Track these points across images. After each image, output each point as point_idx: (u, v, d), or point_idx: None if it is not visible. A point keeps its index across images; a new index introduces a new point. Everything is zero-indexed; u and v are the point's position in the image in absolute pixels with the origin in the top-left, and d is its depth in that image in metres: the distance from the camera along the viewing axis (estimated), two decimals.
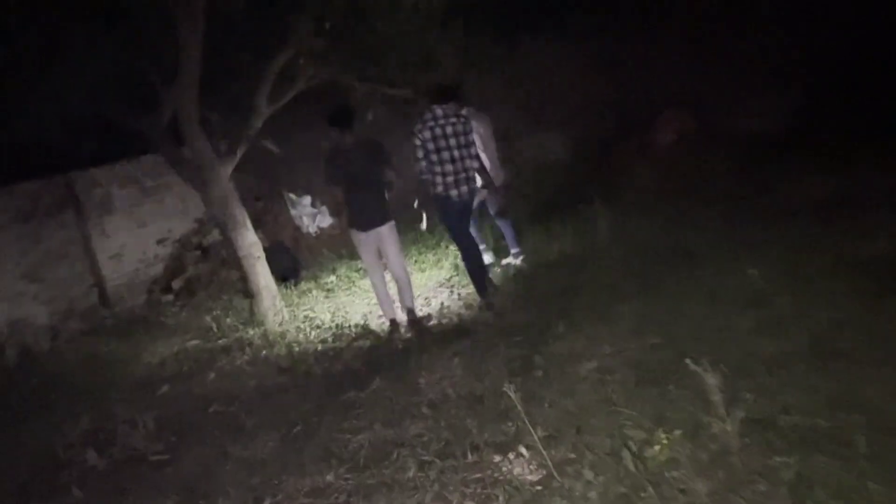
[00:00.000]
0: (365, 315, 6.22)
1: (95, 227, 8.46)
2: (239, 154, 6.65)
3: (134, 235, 8.86)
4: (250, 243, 6.40)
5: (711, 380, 2.81)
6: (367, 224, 5.36)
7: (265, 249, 8.59)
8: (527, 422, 3.20)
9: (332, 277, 7.82)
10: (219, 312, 7.70)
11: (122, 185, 8.81)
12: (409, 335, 5.44)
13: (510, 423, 3.39)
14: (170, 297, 8.66)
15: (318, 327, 6.09)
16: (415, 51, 7.04)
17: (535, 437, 3.10)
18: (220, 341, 6.38)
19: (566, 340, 4.35)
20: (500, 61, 8.55)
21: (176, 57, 5.90)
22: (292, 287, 7.78)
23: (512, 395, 3.29)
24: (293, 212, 9.57)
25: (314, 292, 7.43)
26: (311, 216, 9.85)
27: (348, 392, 4.44)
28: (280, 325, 6.23)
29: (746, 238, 5.32)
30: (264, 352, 5.71)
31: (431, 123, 5.32)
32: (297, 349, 5.62)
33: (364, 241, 5.43)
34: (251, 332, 6.20)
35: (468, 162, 5.43)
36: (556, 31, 9.62)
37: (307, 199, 9.80)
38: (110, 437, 4.53)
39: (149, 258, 9.03)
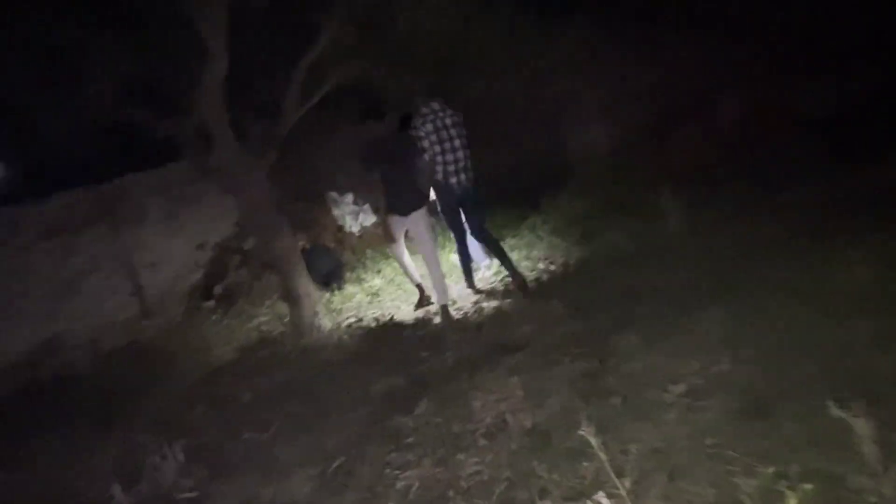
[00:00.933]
0: (416, 320, 5.75)
1: (131, 236, 8.17)
2: (272, 156, 6.22)
3: (171, 243, 8.54)
4: (288, 249, 5.96)
5: (846, 414, 2.22)
6: (405, 208, 5.70)
7: (307, 252, 8.23)
8: (606, 463, 2.65)
9: (378, 280, 7.35)
10: (259, 321, 7.36)
11: (157, 192, 8.50)
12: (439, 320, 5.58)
13: (585, 463, 2.84)
14: (210, 303, 8.33)
15: (361, 334, 5.63)
16: (449, 42, 6.57)
17: (619, 484, 2.55)
18: (258, 353, 5.98)
19: (641, 355, 3.77)
20: (538, 48, 7.99)
21: (201, 58, 5.49)
22: (335, 291, 7.36)
23: (584, 426, 2.75)
24: (336, 211, 9.15)
25: (358, 297, 6.97)
26: (353, 215, 9.39)
27: (393, 417, 3.96)
28: (321, 334, 5.78)
29: (843, 227, 4.63)
30: (304, 366, 5.27)
31: (431, 117, 5.71)
32: (338, 361, 5.18)
33: (400, 223, 5.82)
34: (290, 343, 5.77)
35: (466, 152, 5.81)
36: (596, 15, 8.94)
37: (349, 198, 9.35)
38: (138, 469, 4.13)
39: (188, 265, 8.71)
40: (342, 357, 5.27)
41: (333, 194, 9.08)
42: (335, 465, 3.60)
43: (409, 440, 3.63)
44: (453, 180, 5.74)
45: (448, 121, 5.71)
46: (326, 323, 5.98)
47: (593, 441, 2.72)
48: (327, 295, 7.22)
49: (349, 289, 7.37)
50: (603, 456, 2.66)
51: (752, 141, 7.40)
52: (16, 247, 7.20)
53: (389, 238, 5.97)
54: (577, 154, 8.75)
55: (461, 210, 5.95)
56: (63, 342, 7.26)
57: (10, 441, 5.00)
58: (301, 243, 8.56)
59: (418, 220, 5.67)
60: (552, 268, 6.06)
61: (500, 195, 8.25)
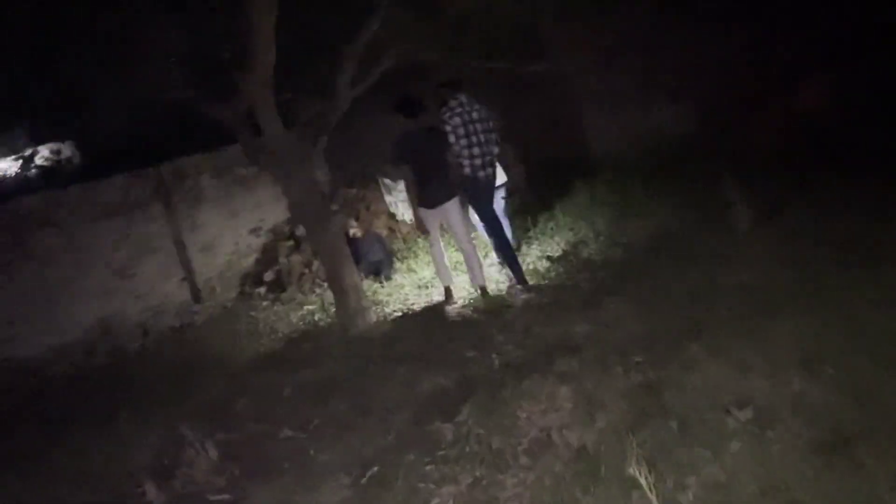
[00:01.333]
0: (464, 316, 5.51)
1: (186, 218, 8.21)
2: (322, 141, 6.06)
3: (225, 226, 8.56)
4: (335, 239, 5.80)
5: None
6: (433, 201, 5.78)
7: (357, 240, 8.07)
8: (659, 499, 2.36)
9: (428, 272, 7.12)
10: (307, 309, 7.26)
11: (213, 175, 8.50)
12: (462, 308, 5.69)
13: (635, 496, 2.56)
14: (261, 289, 8.29)
15: (408, 328, 5.44)
16: (510, 20, 6.25)
17: None
18: (304, 343, 5.86)
19: (703, 368, 3.44)
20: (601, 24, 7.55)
21: (249, 39, 5.34)
22: (384, 282, 7.18)
23: (637, 451, 2.47)
24: (388, 198, 8.97)
25: (406, 288, 6.77)
26: (406, 203, 9.19)
27: (434, 422, 3.75)
28: (367, 327, 5.61)
29: None
30: (348, 360, 5.11)
31: (459, 110, 5.64)
32: (383, 356, 5.00)
33: (431, 216, 5.84)
34: (336, 335, 5.62)
35: (492, 147, 5.77)
36: None
37: (402, 185, 9.14)
38: (174, 464, 4.04)
39: (241, 249, 8.72)
40: (387, 352, 5.08)
41: (386, 181, 8.89)
42: (370, 473, 3.41)
43: (448, 452, 3.41)
44: (481, 174, 5.70)
45: (475, 115, 5.67)
46: (372, 316, 5.81)
47: (646, 471, 2.44)
48: (376, 286, 7.05)
49: (398, 279, 7.19)
50: (654, 492, 2.38)
51: (842, 126, 6.78)
52: (74, 227, 7.27)
53: (422, 230, 5.91)
54: (644, 137, 8.30)
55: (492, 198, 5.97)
56: (116, 325, 7.34)
57: (56, 428, 5.01)
58: (353, 231, 8.43)
59: (449, 211, 5.76)
60: (611, 262, 5.72)
61: (559, 178, 7.92)
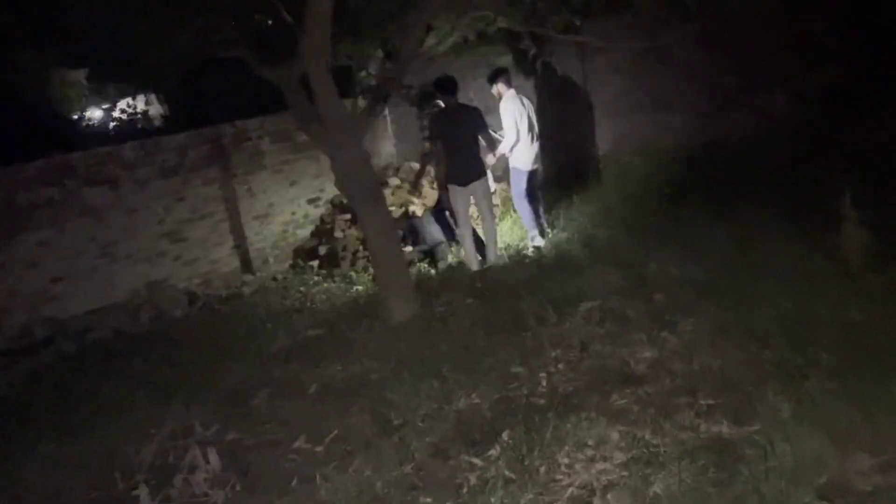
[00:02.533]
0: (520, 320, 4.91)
1: (242, 184, 7.89)
2: (380, 110, 5.55)
3: (283, 194, 8.22)
4: (384, 220, 5.30)
5: None
6: (465, 179, 6.04)
7: (416, 219, 7.57)
8: None
9: None
10: (356, 290, 6.84)
11: (274, 140, 8.14)
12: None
13: None
14: (314, 263, 7.93)
15: (453, 326, 4.90)
16: None
17: None
18: (343, 330, 5.40)
19: (794, 432, 2.77)
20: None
21: None
22: (437, 267, 6.65)
23: None
24: None
25: (460, 277, 6.21)
26: None
27: (460, 454, 3.23)
28: (409, 319, 5.12)
29: None
30: (383, 357, 4.63)
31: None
32: (421, 357, 4.50)
33: (461, 193, 6.12)
34: (377, 324, 5.15)
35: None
36: None
37: None
38: (176, 466, 3.67)
39: (297, 219, 8.38)
40: (425, 353, 4.57)
41: None
42: None
43: (473, 498, 2.87)
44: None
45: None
46: (416, 307, 5.29)
47: None
48: (430, 270, 6.54)
49: (455, 266, 6.65)
50: None
51: None
52: (126, 186, 7.04)
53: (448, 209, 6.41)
54: (742, 130, 7.39)
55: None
56: (162, 290, 7.10)
57: (72, 404, 4.76)
58: (413, 208, 7.92)
59: (478, 190, 6.08)
60: (696, 275, 4.97)
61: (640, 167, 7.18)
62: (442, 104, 6.49)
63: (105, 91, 11.83)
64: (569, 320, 4.66)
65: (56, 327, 6.46)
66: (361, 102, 5.56)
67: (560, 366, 4.03)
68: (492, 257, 6.20)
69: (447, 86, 6.14)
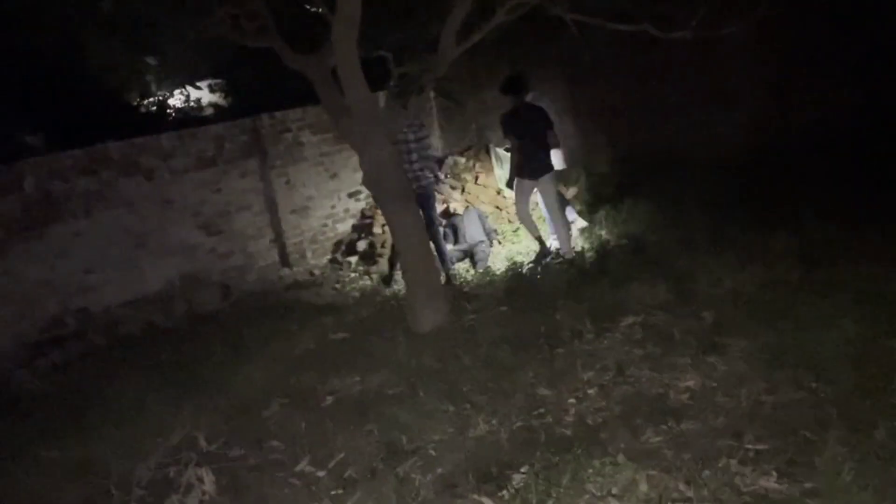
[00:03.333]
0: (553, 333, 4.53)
1: (280, 176, 7.70)
2: (415, 103, 5.23)
3: (323, 187, 8.00)
4: (413, 221, 4.99)
5: None
6: (532, 173, 6.20)
7: (455, 216, 7.24)
8: None
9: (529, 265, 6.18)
10: (393, 290, 6.56)
11: (315, 131, 7.92)
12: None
13: None
14: (352, 259, 7.70)
15: (484, 338, 4.56)
16: None
17: None
18: (370, 334, 5.13)
19: (863, 490, 2.34)
20: None
21: None
22: (476, 269, 6.31)
23: None
24: (498, 172, 8.03)
25: (496, 281, 5.85)
26: None
27: (470, 493, 2.90)
28: (436, 329, 4.80)
29: None
30: (406, 368, 4.33)
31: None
32: (444, 371, 4.19)
33: (526, 187, 6.28)
34: (402, 333, 4.85)
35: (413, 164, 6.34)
36: None
37: None
38: (171, 487, 3.46)
39: (337, 213, 8.16)
40: (449, 369, 4.24)
41: (499, 150, 7.94)
42: None
43: None
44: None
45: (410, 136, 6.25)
46: (444, 316, 4.96)
47: None
48: (467, 272, 6.20)
49: (493, 267, 6.29)
50: None
51: None
52: (164, 177, 6.93)
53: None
54: (810, 130, 6.78)
55: None
56: (196, 283, 6.98)
57: (83, 406, 4.63)
58: (453, 205, 7.60)
59: (543, 184, 6.19)
60: (751, 291, 4.49)
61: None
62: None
63: (176, 77, 11.97)
64: (607, 337, 4.28)
65: (88, 319, 6.39)
66: (392, 95, 5.24)
67: (591, 391, 3.65)
68: (563, 246, 6.18)
69: (516, 86, 6.22)
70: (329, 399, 4.17)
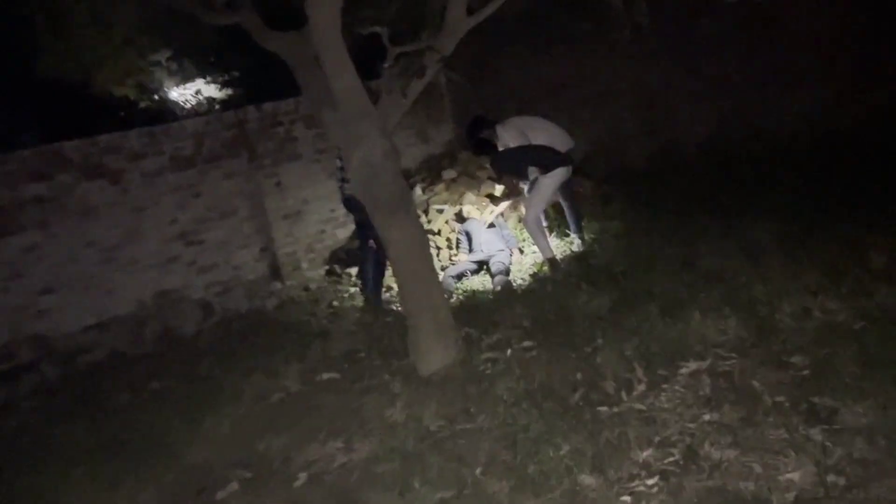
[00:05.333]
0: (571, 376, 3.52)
1: (270, 177, 6.74)
2: (415, 89, 4.24)
3: (319, 189, 7.03)
4: (412, 235, 4.01)
5: None
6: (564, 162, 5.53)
7: (472, 222, 6.26)
8: None
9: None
10: (394, 307, 5.59)
11: (310, 125, 6.95)
12: None
13: None
14: (352, 270, 6.75)
15: (497, 376, 3.57)
16: None
17: None
18: (357, 365, 4.19)
19: None
20: None
21: None
22: (495, 289, 5.32)
23: None
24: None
25: (518, 309, 4.82)
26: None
27: None
28: (443, 369, 3.84)
29: None
30: (396, 440, 3.36)
31: None
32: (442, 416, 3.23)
33: (559, 175, 5.53)
34: (404, 374, 3.88)
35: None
36: None
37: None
38: None
39: (336, 217, 7.19)
40: (458, 431, 3.28)
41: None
42: None
43: None
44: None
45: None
46: (455, 353, 3.99)
47: None
48: (485, 289, 5.20)
49: (514, 282, 5.28)
50: None
51: None
52: (134, 180, 6.01)
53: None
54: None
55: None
56: (173, 302, 6.06)
57: (39, 455, 3.74)
58: (467, 208, 6.60)
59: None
60: (856, 325, 3.45)
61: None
62: None
63: (186, 71, 11.25)
64: (664, 390, 3.27)
65: (45, 348, 5.51)
66: (389, 81, 4.25)
67: (652, 481, 2.64)
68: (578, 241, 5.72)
69: (482, 143, 5.81)
70: (302, 477, 3.22)
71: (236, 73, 10.43)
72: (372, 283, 5.58)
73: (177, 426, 3.96)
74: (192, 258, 6.28)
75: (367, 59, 4.78)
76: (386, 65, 4.39)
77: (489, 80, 7.31)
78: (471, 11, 4.16)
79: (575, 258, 5.52)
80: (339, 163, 5.47)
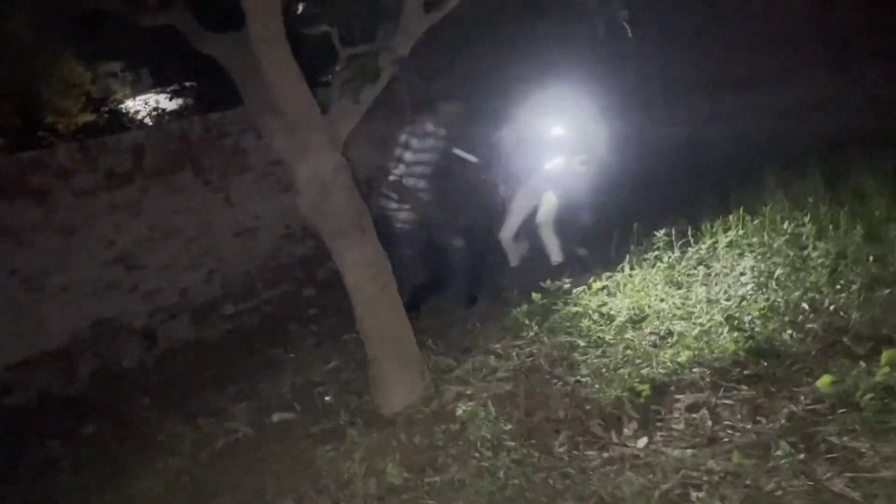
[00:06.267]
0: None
1: (218, 192, 6.23)
2: (366, 101, 3.78)
3: (273, 203, 6.53)
4: (368, 263, 3.56)
5: None
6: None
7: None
8: None
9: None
10: (352, 336, 5.10)
11: (259, 135, 6.42)
12: None
13: None
14: (310, 291, 6.28)
15: (478, 431, 3.13)
16: None
17: None
18: (322, 424, 3.69)
19: None
20: None
21: None
22: (474, 326, 4.71)
23: None
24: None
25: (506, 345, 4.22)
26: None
27: None
28: (408, 410, 3.40)
29: None
30: (369, 491, 2.91)
31: None
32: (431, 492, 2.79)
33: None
34: (355, 431, 3.41)
35: None
36: None
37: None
38: None
39: (293, 233, 6.71)
40: (425, 486, 2.84)
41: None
42: None
43: None
44: None
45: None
46: (422, 389, 3.55)
47: None
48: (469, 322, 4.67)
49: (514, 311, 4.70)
50: None
51: None
52: (64, 200, 5.45)
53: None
54: None
55: None
56: (111, 333, 5.52)
57: None
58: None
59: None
60: None
61: None
62: None
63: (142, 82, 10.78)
64: (659, 429, 2.87)
65: None
66: (340, 86, 3.79)
67: None
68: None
69: None
70: None
71: (187, 83, 9.98)
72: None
73: (100, 491, 3.45)
74: (133, 283, 5.72)
75: (315, 63, 4.36)
76: (337, 68, 3.95)
77: (452, 81, 6.90)
78: (431, 8, 3.75)
79: None
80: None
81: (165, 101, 10.39)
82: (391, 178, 4.80)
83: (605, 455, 2.78)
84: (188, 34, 3.99)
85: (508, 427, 3.08)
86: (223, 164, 6.23)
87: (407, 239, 4.88)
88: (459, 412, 3.31)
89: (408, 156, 4.78)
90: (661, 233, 4.50)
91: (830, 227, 4.11)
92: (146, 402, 4.60)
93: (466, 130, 5.22)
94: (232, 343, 5.60)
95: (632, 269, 4.35)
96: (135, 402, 4.66)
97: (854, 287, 3.44)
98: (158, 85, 10.40)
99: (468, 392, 3.51)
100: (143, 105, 10.64)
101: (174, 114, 10.11)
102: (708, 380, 3.07)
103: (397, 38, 3.74)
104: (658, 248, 4.44)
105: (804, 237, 4.09)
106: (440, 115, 4.89)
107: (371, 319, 3.61)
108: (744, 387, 2.96)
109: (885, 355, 2.79)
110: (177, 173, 6.00)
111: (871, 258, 3.66)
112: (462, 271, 4.95)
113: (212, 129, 6.21)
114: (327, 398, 3.97)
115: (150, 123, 9.93)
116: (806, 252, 3.96)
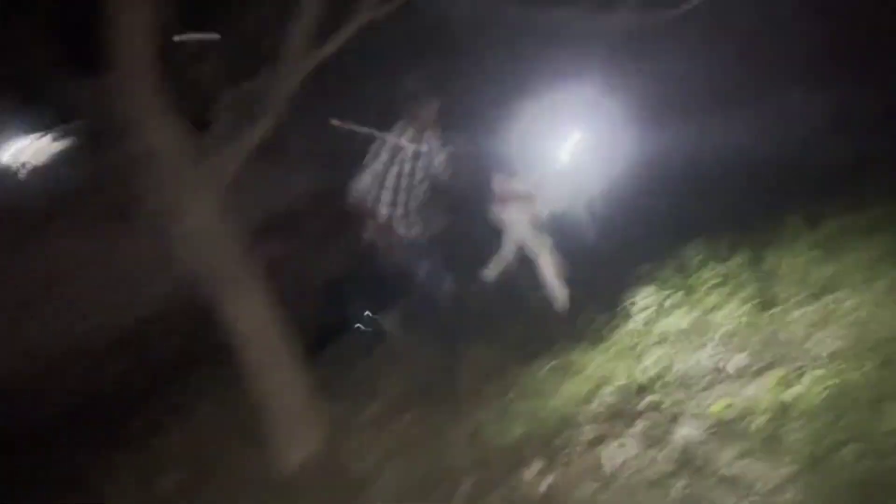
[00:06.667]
0: None
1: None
2: (251, 139, 3.61)
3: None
4: (255, 315, 3.38)
5: None
6: None
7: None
8: None
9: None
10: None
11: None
12: None
13: None
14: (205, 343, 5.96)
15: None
16: None
17: None
18: (213, 489, 3.45)
19: None
20: None
21: None
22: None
23: None
24: None
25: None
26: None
27: None
28: (306, 480, 3.23)
29: None
30: None
31: None
32: None
33: None
34: (251, 492, 3.21)
35: None
36: None
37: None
38: None
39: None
40: None
41: None
42: None
43: None
44: None
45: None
46: (322, 440, 3.38)
47: None
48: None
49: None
50: None
51: None
52: None
53: None
54: None
55: None
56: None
57: None
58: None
59: None
60: None
61: None
62: None
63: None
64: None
65: None
66: (222, 127, 3.64)
67: None
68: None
69: None
70: None
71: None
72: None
73: None
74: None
75: (195, 103, 4.13)
76: (219, 109, 3.78)
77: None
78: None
79: None
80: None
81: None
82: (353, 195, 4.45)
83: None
84: (67, 79, 3.73)
85: (412, 478, 2.96)
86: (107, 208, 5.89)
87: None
88: (362, 464, 3.17)
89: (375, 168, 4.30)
90: None
91: None
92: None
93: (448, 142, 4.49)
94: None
95: None
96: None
97: None
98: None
99: (372, 439, 3.37)
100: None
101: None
102: None
103: (283, 75, 3.61)
104: None
105: None
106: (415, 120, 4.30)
107: (260, 371, 3.42)
108: None
109: None
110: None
111: None
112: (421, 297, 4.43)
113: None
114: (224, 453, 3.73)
115: None
116: None
